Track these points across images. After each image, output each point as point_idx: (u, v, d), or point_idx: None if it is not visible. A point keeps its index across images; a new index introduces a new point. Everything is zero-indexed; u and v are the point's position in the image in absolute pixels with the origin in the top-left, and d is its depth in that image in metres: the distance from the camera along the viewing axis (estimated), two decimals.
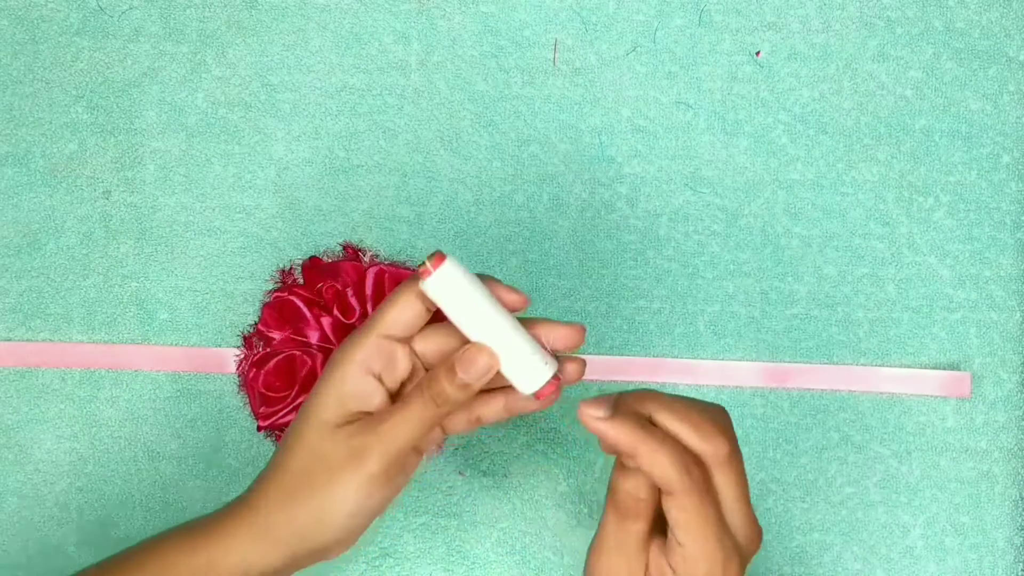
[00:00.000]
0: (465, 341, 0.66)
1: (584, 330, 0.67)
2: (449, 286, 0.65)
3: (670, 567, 0.63)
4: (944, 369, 0.85)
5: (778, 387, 0.85)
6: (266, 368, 0.83)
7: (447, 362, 0.65)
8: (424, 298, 0.66)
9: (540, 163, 0.86)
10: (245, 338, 0.84)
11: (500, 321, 0.65)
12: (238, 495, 0.69)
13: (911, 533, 0.84)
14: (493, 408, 0.69)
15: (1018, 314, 0.85)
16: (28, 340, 0.85)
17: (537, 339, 0.66)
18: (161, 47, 0.86)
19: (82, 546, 0.83)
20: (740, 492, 0.63)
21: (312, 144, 0.86)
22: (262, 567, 0.66)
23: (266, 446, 0.84)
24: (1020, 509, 0.84)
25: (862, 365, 0.85)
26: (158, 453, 0.84)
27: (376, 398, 0.67)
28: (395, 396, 0.68)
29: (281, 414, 0.82)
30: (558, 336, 0.66)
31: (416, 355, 0.68)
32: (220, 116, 0.86)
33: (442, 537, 0.84)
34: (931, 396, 0.85)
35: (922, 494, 0.84)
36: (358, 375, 0.66)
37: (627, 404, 0.63)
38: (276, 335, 0.83)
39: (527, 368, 0.65)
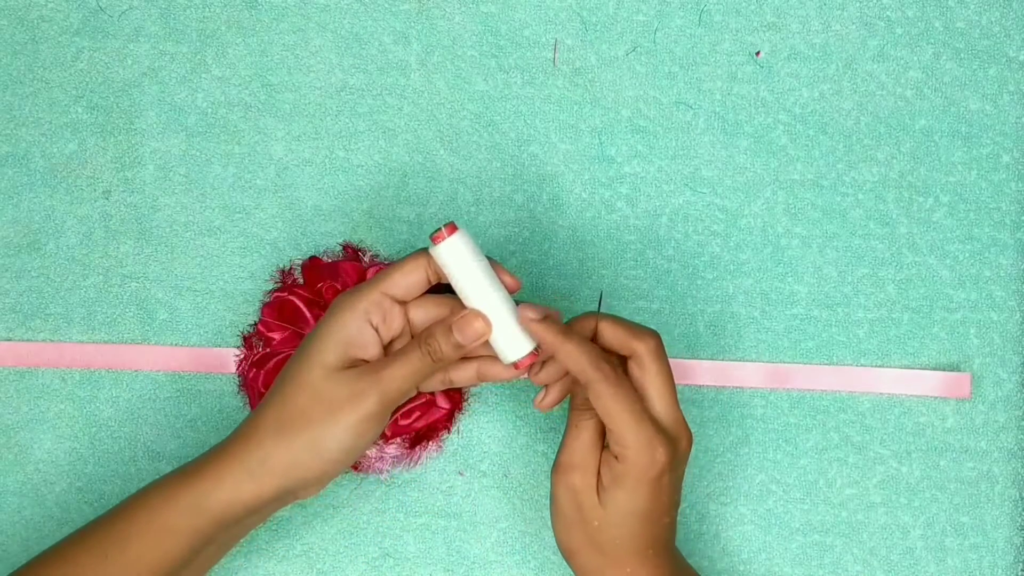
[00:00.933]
0: (453, 313, 0.73)
1: (561, 316, 0.74)
2: (457, 254, 0.72)
3: (613, 456, 0.71)
4: (944, 369, 0.85)
5: (778, 388, 0.85)
6: (266, 368, 0.83)
7: (445, 323, 0.73)
8: (428, 269, 0.73)
9: (540, 163, 0.86)
10: (245, 338, 0.84)
11: (496, 294, 0.73)
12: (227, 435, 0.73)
13: (911, 534, 0.84)
14: (466, 373, 0.76)
15: (1018, 314, 0.85)
16: (28, 340, 0.85)
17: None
18: (161, 47, 0.86)
19: None
20: (665, 384, 0.72)
21: (312, 144, 0.86)
22: (250, 499, 0.71)
23: None
24: (1020, 509, 0.84)
25: (862, 366, 0.85)
26: (158, 453, 0.84)
27: (372, 348, 0.73)
28: (385, 351, 0.74)
29: None
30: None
31: (408, 319, 0.74)
32: (220, 116, 0.86)
33: (442, 537, 0.84)
34: (931, 397, 0.85)
35: (922, 495, 0.84)
36: (360, 323, 0.72)
37: (576, 323, 0.73)
38: (276, 335, 0.83)
39: (512, 339, 0.73)
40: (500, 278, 0.73)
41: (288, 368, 0.73)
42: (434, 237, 0.72)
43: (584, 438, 0.73)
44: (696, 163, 0.86)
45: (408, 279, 0.73)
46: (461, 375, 0.76)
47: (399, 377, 0.71)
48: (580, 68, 0.86)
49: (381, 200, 0.86)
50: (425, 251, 0.73)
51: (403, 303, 0.74)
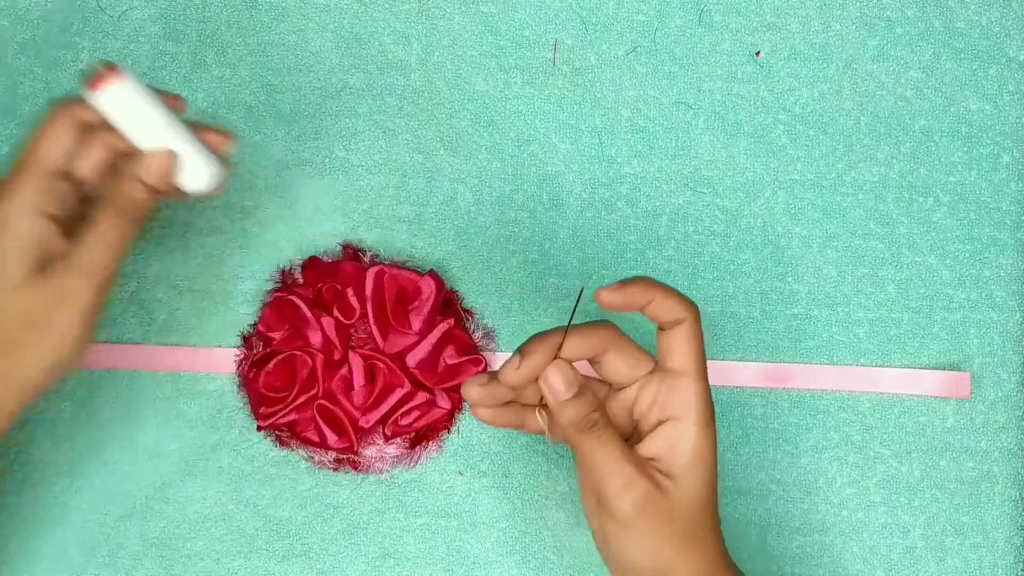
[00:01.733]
0: (127, 149, 0.67)
1: (234, 138, 0.71)
2: (124, 99, 0.66)
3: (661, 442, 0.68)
4: (944, 369, 0.85)
5: (778, 387, 0.85)
6: (266, 368, 0.83)
7: (127, 171, 0.66)
8: (79, 120, 0.66)
9: (540, 163, 0.86)
10: (245, 338, 0.84)
11: (171, 128, 0.67)
12: None
13: (911, 533, 0.84)
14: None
15: (1018, 314, 0.85)
16: None
17: (202, 142, 0.70)
18: (161, 47, 0.86)
19: (82, 546, 0.83)
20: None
21: (312, 144, 0.86)
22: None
23: (266, 445, 0.84)
24: (1020, 509, 0.84)
25: (862, 365, 0.85)
26: (158, 453, 0.84)
27: (57, 240, 0.66)
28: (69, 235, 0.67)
29: (281, 414, 0.82)
30: (214, 141, 0.70)
31: (79, 180, 0.67)
32: (220, 116, 0.86)
33: (442, 537, 0.84)
34: (931, 397, 0.85)
35: (922, 494, 0.84)
36: (33, 219, 0.65)
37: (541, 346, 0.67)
38: (276, 335, 0.83)
39: (198, 167, 0.69)
40: (167, 104, 0.68)
41: None
42: (91, 83, 0.64)
43: (613, 451, 0.68)
44: (696, 163, 0.86)
45: (63, 143, 0.65)
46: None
47: (102, 253, 0.65)
48: (580, 68, 0.86)
49: (381, 200, 0.86)
50: (74, 101, 0.66)
51: (68, 169, 0.66)
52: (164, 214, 0.85)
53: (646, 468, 0.68)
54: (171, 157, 0.67)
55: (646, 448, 0.69)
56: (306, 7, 0.86)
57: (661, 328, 0.69)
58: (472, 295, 0.85)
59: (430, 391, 0.82)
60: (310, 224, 0.86)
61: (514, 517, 0.84)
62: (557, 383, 0.67)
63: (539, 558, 0.84)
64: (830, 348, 0.85)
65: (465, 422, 0.84)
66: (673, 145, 0.86)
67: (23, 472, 0.84)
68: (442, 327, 0.83)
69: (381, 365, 0.82)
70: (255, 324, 0.84)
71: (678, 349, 0.68)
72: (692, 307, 0.68)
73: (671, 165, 0.86)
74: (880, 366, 0.85)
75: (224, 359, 0.84)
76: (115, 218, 0.65)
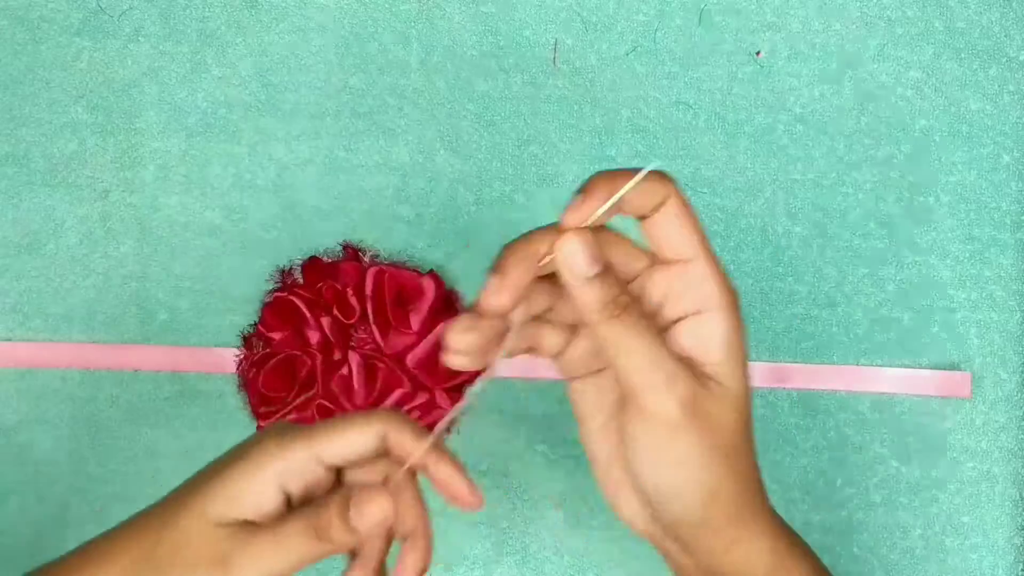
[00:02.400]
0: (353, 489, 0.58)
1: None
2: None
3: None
4: (944, 369, 0.85)
5: (778, 387, 0.85)
6: (266, 368, 0.83)
7: (343, 496, 0.57)
8: (379, 436, 0.59)
9: (540, 163, 0.86)
10: (245, 338, 0.84)
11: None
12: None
13: (911, 534, 0.84)
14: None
15: (1018, 314, 0.85)
16: (28, 340, 0.85)
17: None
18: (161, 47, 0.86)
19: None
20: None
21: (312, 144, 0.86)
22: None
23: None
24: (1020, 509, 0.84)
25: (862, 365, 0.85)
26: (158, 453, 0.84)
27: (269, 508, 0.57)
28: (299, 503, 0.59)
29: (281, 414, 0.82)
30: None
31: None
32: (220, 116, 0.86)
33: (442, 537, 0.84)
34: (931, 396, 0.85)
35: (922, 494, 0.84)
36: (266, 485, 0.57)
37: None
38: (276, 335, 0.83)
39: None
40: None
41: (178, 496, 0.59)
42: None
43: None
44: (696, 163, 0.86)
45: (350, 448, 0.57)
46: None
47: (270, 558, 0.56)
48: (580, 68, 0.86)
49: (381, 200, 0.86)
50: (379, 413, 0.59)
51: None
52: (163, 214, 0.85)
53: (687, 364, 0.56)
54: (388, 509, 0.58)
55: (671, 347, 0.56)
56: (306, 7, 0.86)
57: (643, 218, 0.57)
58: (472, 295, 0.85)
59: (430, 391, 0.82)
60: (310, 224, 0.86)
61: (514, 517, 0.84)
62: (577, 257, 0.54)
63: (539, 558, 0.84)
64: (830, 348, 0.85)
65: (465, 422, 0.84)
66: (673, 145, 0.86)
67: (24, 472, 0.84)
68: (442, 327, 0.83)
69: (381, 365, 0.82)
70: (255, 324, 0.84)
71: (673, 232, 0.56)
72: (668, 179, 0.56)
73: (671, 165, 0.86)
74: (880, 366, 0.85)
75: (224, 359, 0.85)
76: (304, 534, 0.56)
